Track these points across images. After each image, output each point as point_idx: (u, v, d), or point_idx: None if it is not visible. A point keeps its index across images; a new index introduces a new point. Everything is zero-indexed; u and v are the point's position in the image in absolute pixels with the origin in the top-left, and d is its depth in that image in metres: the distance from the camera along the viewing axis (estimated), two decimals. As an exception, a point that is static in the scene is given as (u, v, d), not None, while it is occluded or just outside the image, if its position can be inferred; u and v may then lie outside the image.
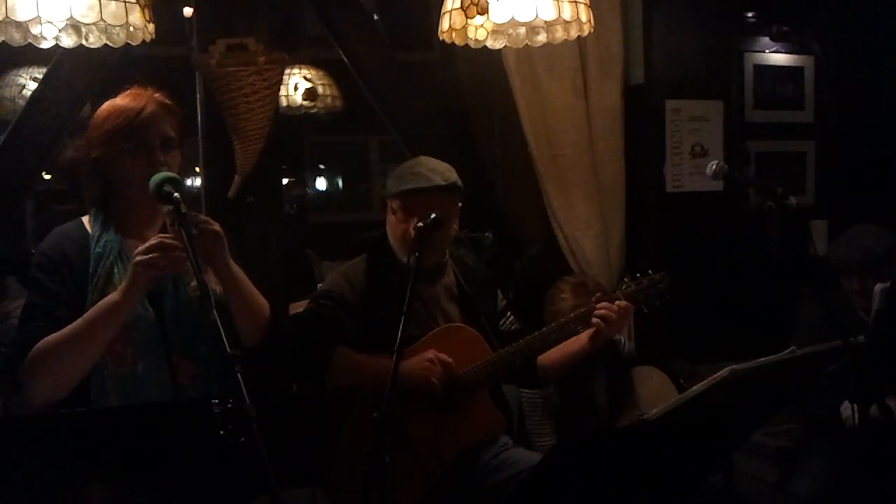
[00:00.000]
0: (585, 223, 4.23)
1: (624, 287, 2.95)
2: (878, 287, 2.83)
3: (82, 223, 2.44)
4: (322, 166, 7.92)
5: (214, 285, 2.33)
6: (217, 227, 2.30)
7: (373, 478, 2.12)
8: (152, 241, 2.20)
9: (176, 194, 2.15)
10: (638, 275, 2.99)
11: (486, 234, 4.08)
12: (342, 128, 6.20)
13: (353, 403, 2.72)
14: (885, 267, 3.39)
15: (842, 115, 5.00)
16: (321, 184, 8.00)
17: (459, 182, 2.93)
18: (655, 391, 3.45)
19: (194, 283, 2.04)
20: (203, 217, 2.29)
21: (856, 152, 4.96)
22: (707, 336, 4.24)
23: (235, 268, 2.37)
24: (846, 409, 3.13)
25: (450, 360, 2.76)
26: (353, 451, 2.58)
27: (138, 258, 2.19)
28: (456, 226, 2.93)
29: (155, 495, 1.90)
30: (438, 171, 2.91)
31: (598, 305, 2.84)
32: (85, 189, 2.44)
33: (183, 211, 2.13)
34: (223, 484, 1.94)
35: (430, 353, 2.75)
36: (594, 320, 2.83)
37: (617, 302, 2.85)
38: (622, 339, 3.80)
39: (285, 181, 6.63)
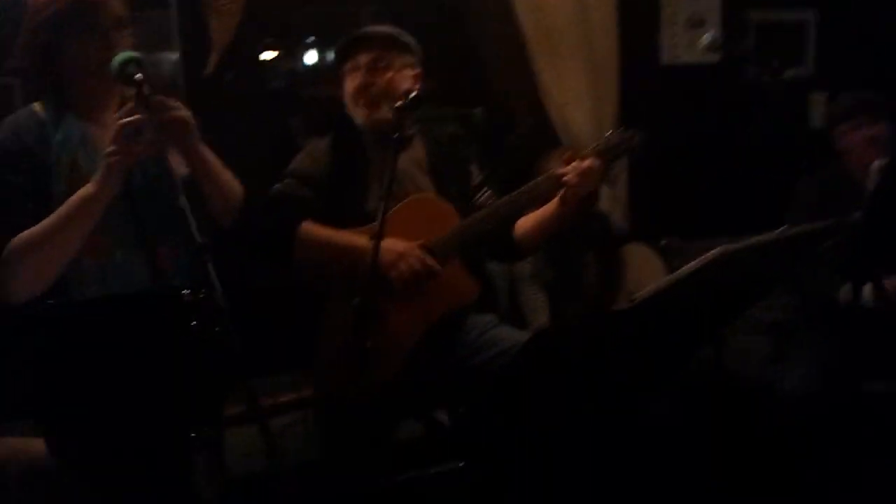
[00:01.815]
0: (577, 97, 4.13)
1: (594, 145, 2.85)
2: (876, 164, 2.77)
3: (33, 111, 2.32)
4: (312, 38, 7.70)
5: (183, 168, 2.24)
6: (183, 112, 2.19)
7: (354, 364, 2.08)
8: (123, 131, 2.10)
9: (139, 75, 2.06)
10: (609, 131, 2.89)
11: (477, 111, 3.98)
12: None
13: (334, 287, 2.73)
14: (878, 113, 3.34)
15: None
16: (312, 56, 7.80)
17: (405, 38, 2.91)
18: (645, 269, 3.41)
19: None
20: (170, 102, 2.18)
21: (858, 21, 4.79)
22: (702, 212, 4.19)
23: (205, 151, 2.28)
24: (846, 292, 3.09)
25: (425, 260, 2.70)
26: (335, 334, 2.56)
27: (113, 147, 2.09)
28: (411, 87, 2.81)
29: (133, 389, 1.87)
30: (380, 27, 2.94)
31: (563, 168, 2.75)
32: (33, 76, 2.32)
33: (146, 92, 2.03)
34: (202, 374, 1.90)
35: (404, 248, 2.69)
36: (565, 180, 2.74)
37: (582, 161, 2.74)
38: (610, 216, 3.74)
39: (273, 54, 6.45)
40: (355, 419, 2.34)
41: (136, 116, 2.08)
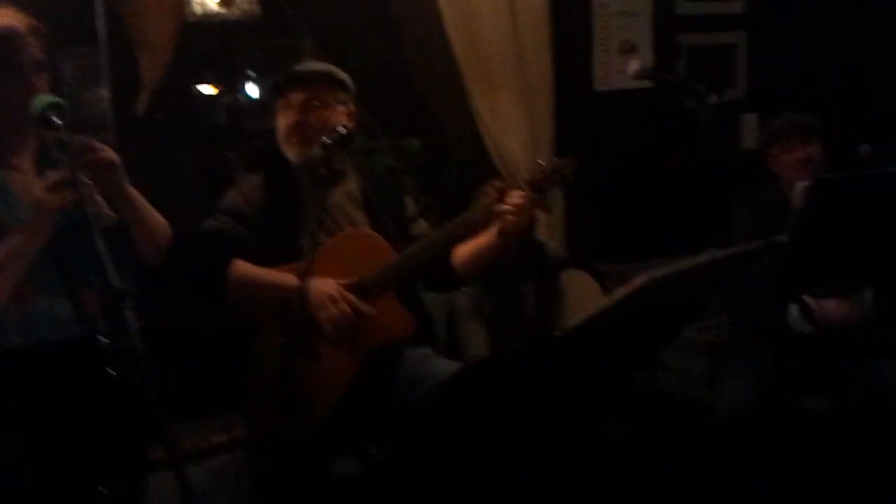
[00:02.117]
0: (512, 126, 4.14)
1: (527, 176, 2.86)
2: (800, 185, 2.80)
3: None
4: (253, 73, 7.67)
5: (107, 210, 2.22)
6: (109, 154, 2.17)
7: (281, 405, 2.07)
8: (51, 178, 2.07)
9: (59, 121, 2.04)
10: (541, 161, 2.89)
11: (413, 141, 4.00)
12: (272, 33, 6.01)
13: (260, 328, 2.71)
14: (810, 135, 3.38)
15: (773, 4, 4.90)
16: (254, 90, 7.76)
17: (339, 75, 2.93)
18: (584, 296, 3.43)
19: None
20: (94, 144, 2.15)
21: (789, 42, 4.88)
22: (639, 236, 4.22)
23: (132, 192, 2.27)
24: (792, 313, 3.13)
25: (357, 304, 2.68)
26: (263, 375, 2.54)
27: (42, 199, 2.04)
28: (346, 125, 2.80)
29: (47, 441, 1.83)
30: (315, 64, 2.97)
31: (498, 203, 2.76)
32: None
33: (66, 139, 2.01)
34: (118, 424, 1.87)
35: (335, 291, 2.67)
36: (502, 216, 2.75)
37: (516, 196, 2.75)
38: (547, 243, 3.75)
39: (212, 90, 6.42)
40: (287, 459, 2.31)
41: (66, 172, 2.06)
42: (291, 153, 2.86)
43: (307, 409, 2.20)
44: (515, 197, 2.73)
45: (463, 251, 2.90)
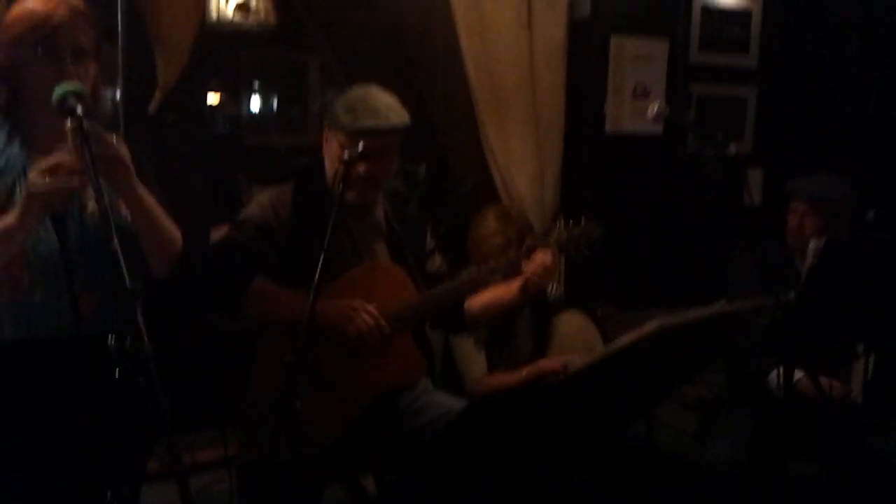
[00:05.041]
0: (521, 160, 4.13)
1: (556, 233, 2.85)
2: (813, 244, 2.78)
3: None
4: (258, 83, 7.64)
5: (122, 210, 2.17)
6: (121, 151, 2.11)
7: (282, 424, 2.01)
8: (49, 161, 2.02)
9: (78, 107, 1.98)
10: (571, 222, 2.89)
11: (420, 167, 3.96)
12: (281, 46, 5.98)
13: (264, 343, 2.65)
14: (833, 214, 3.35)
15: (786, 62, 4.93)
16: (256, 103, 7.73)
17: (406, 124, 2.77)
18: (577, 335, 3.40)
19: (92, 205, 1.88)
20: (108, 139, 2.10)
21: (797, 101, 4.90)
22: (638, 282, 4.20)
23: (143, 193, 2.20)
24: (773, 378, 3.10)
25: (379, 318, 2.64)
26: (264, 392, 2.48)
27: (34, 182, 1.99)
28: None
29: (50, 439, 1.76)
30: (393, 108, 2.71)
31: (529, 262, 2.75)
32: None
33: (85, 127, 1.96)
34: (125, 427, 1.81)
35: (358, 303, 2.62)
36: (526, 275, 2.75)
37: (543, 256, 2.76)
38: (551, 285, 3.72)
39: (217, 99, 6.37)
40: (279, 484, 2.25)
41: (60, 156, 2.00)
42: (351, 196, 2.67)
43: (307, 436, 2.13)
44: (546, 257, 2.73)
45: (480, 299, 2.89)
